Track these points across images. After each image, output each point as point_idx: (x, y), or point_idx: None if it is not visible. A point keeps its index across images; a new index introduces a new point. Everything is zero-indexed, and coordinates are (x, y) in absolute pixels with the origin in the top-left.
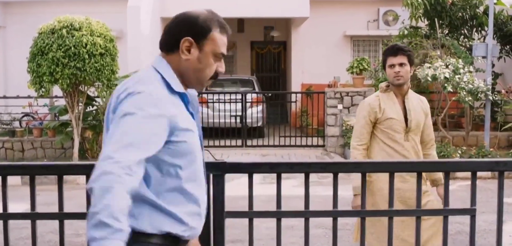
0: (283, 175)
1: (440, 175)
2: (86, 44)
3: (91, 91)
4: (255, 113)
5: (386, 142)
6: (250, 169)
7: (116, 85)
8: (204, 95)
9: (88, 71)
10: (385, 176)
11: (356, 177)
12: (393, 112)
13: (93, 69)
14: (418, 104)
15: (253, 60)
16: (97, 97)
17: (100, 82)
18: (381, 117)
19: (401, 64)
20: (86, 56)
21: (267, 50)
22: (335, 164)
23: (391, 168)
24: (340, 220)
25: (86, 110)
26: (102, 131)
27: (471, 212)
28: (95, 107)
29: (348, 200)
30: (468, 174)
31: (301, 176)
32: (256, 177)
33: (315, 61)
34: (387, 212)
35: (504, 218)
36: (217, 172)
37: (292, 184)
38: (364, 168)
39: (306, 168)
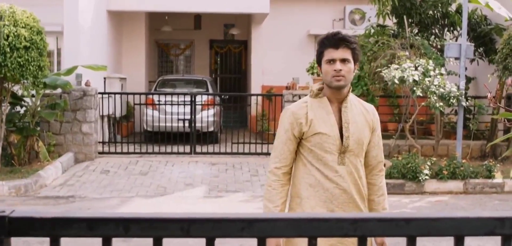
0: (231, 188)
1: (384, 207)
2: (8, 36)
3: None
4: (206, 117)
5: (314, 165)
6: (53, 230)
7: (45, 83)
8: (153, 97)
9: (10, 66)
10: (313, 197)
11: (267, 207)
12: (324, 125)
13: (15, 64)
14: (360, 114)
15: (212, 60)
16: (26, 96)
17: (25, 79)
18: (308, 131)
19: (343, 60)
20: (8, 49)
21: (227, 50)
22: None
23: (313, 232)
24: None
25: (12, 111)
26: (31, 134)
27: None
28: (23, 108)
29: None
30: (438, 186)
31: (250, 191)
32: (200, 190)
33: (276, 62)
34: None
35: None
36: None
37: (239, 198)
38: (263, 231)
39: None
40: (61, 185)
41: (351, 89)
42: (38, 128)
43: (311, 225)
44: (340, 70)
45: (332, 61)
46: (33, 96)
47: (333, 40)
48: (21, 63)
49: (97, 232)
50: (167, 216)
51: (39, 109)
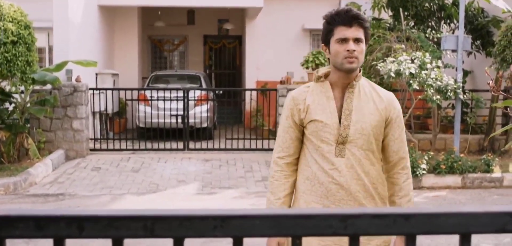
0: (224, 185)
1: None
2: None
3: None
4: (200, 113)
5: (313, 156)
6: None
7: (33, 78)
8: (145, 93)
9: None
10: (310, 192)
11: (269, 199)
12: (321, 112)
13: (2, 59)
14: (370, 102)
15: (206, 56)
16: (15, 93)
17: (12, 74)
18: (305, 118)
19: (356, 40)
20: None
21: (221, 45)
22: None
23: (296, 230)
24: None
25: (0, 108)
26: (20, 131)
27: None
28: (13, 105)
29: None
30: (435, 180)
31: (244, 187)
32: (193, 187)
33: (271, 57)
34: None
35: None
36: None
37: (232, 195)
38: (239, 230)
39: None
40: (51, 182)
41: (361, 72)
42: (28, 125)
43: (294, 223)
44: (354, 50)
45: (344, 40)
46: (22, 92)
47: (346, 17)
48: (9, 58)
49: (47, 232)
50: (128, 213)
51: (28, 105)
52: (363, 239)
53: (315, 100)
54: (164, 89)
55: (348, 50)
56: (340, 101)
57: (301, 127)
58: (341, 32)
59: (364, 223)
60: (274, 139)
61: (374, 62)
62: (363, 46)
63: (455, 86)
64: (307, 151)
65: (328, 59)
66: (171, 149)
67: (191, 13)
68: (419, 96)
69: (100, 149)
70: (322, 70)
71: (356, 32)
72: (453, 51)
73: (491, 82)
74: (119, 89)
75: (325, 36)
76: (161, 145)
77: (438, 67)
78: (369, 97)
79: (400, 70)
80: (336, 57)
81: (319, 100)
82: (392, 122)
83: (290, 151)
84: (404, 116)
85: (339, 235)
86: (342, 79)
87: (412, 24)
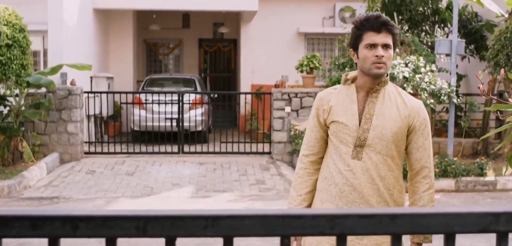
0: (219, 188)
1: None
2: None
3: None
4: (194, 116)
5: (332, 156)
6: None
7: (28, 82)
8: (140, 96)
9: None
10: (325, 191)
11: (291, 194)
12: (343, 114)
13: None
14: (394, 108)
15: (201, 59)
16: (9, 96)
17: (7, 78)
18: (327, 118)
19: (385, 46)
20: None
21: (216, 48)
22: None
23: (284, 230)
24: None
25: None
26: (15, 134)
27: None
28: (7, 108)
29: None
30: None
31: (239, 190)
32: (187, 190)
33: (266, 60)
34: None
35: None
36: None
37: (227, 198)
38: (230, 229)
39: None
40: (45, 186)
41: (388, 77)
42: (22, 128)
43: (282, 223)
44: (382, 56)
45: (373, 46)
46: (16, 95)
47: (376, 23)
48: (3, 61)
49: (42, 231)
50: (121, 213)
51: (23, 108)
52: (356, 239)
53: (339, 102)
54: (159, 93)
55: (376, 56)
56: (363, 105)
57: (325, 127)
58: (370, 37)
59: (351, 223)
60: (269, 142)
61: None
62: (391, 52)
63: (449, 90)
64: (329, 151)
65: (356, 64)
66: (165, 153)
67: (186, 17)
68: None
69: (95, 153)
70: (351, 74)
71: (385, 38)
72: (447, 55)
73: (481, 86)
74: (114, 93)
75: (353, 41)
76: (156, 149)
77: (432, 71)
78: (393, 103)
79: (394, 73)
80: (365, 62)
81: (343, 102)
82: (416, 130)
83: (314, 150)
84: None
85: (326, 234)
86: (369, 83)
87: (406, 28)
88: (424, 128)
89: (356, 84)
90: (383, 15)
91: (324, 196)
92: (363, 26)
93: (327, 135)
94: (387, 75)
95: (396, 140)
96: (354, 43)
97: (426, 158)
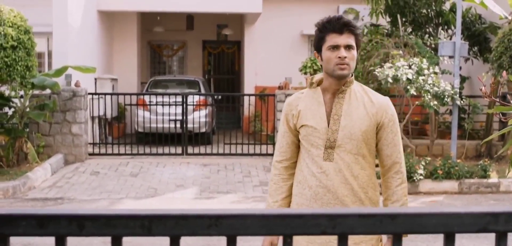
0: (222, 189)
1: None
2: None
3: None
4: (198, 118)
5: (305, 160)
6: None
7: (33, 83)
8: (144, 97)
9: None
10: (301, 195)
11: (267, 201)
12: (311, 117)
13: (2, 64)
14: (361, 107)
15: (205, 61)
16: (14, 97)
17: (12, 79)
18: (297, 123)
19: (348, 47)
20: None
21: (220, 50)
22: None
23: (287, 229)
24: None
25: (0, 112)
26: (19, 135)
27: None
28: (12, 109)
29: None
30: (432, 186)
31: (242, 192)
32: (191, 191)
33: (269, 62)
34: None
35: None
36: None
37: (231, 199)
38: (232, 229)
39: None
40: (49, 187)
41: (353, 77)
42: (27, 129)
43: (285, 222)
44: (345, 57)
45: (336, 47)
46: (21, 96)
47: (337, 25)
48: (8, 63)
49: (49, 230)
50: (126, 212)
51: (27, 110)
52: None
53: (306, 106)
54: (163, 94)
55: (339, 57)
56: (330, 106)
57: (296, 132)
58: (332, 39)
59: (352, 222)
60: (272, 144)
61: (372, 68)
62: (354, 52)
63: (452, 92)
64: (301, 155)
65: (321, 66)
66: (169, 154)
67: (190, 19)
68: (417, 102)
69: (99, 154)
70: (317, 77)
71: (347, 39)
72: (450, 57)
73: (483, 88)
74: (118, 94)
75: (317, 43)
76: (160, 150)
77: (435, 73)
78: (360, 102)
79: (397, 75)
80: (328, 64)
81: (310, 106)
82: (385, 127)
83: (287, 155)
84: (401, 122)
85: (328, 234)
86: (334, 85)
87: (410, 30)
88: (392, 124)
89: (322, 87)
90: (344, 16)
91: (300, 200)
92: (325, 28)
93: (298, 140)
94: (352, 75)
95: (366, 138)
96: (317, 46)
97: (396, 153)
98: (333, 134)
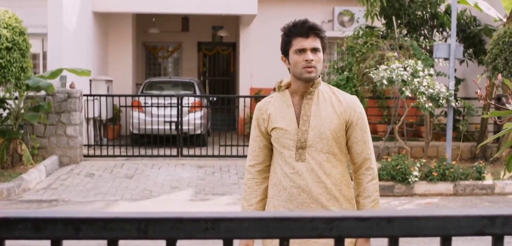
0: (217, 191)
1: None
2: None
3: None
4: (193, 119)
5: (279, 162)
6: None
7: (27, 85)
8: (139, 99)
9: None
10: (276, 197)
11: (243, 205)
12: (281, 119)
13: None
14: (329, 106)
15: (200, 62)
16: (9, 99)
17: (7, 80)
18: (268, 126)
19: (314, 50)
20: None
21: (215, 52)
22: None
23: (283, 232)
24: None
25: None
26: (14, 137)
27: None
28: (7, 110)
29: None
30: (427, 187)
31: (237, 194)
32: (186, 193)
33: (265, 64)
34: None
35: None
36: None
37: (226, 201)
38: (230, 231)
39: None
40: (44, 188)
41: (320, 78)
42: (22, 131)
43: (281, 225)
44: (312, 60)
45: (302, 50)
46: (16, 98)
47: (303, 29)
48: (3, 64)
49: (44, 233)
50: (122, 215)
51: (22, 111)
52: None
53: (276, 109)
54: (158, 96)
55: (306, 60)
56: (299, 108)
57: (267, 135)
58: (298, 43)
59: (348, 225)
60: None
61: (367, 70)
62: (320, 55)
63: (447, 94)
64: (274, 158)
65: (289, 69)
66: (164, 156)
67: (185, 20)
68: (412, 104)
69: (94, 155)
70: (285, 81)
71: (313, 42)
72: (445, 59)
73: (478, 90)
74: (113, 96)
75: (284, 47)
76: (155, 152)
77: (430, 75)
78: (328, 102)
79: (392, 77)
80: (295, 67)
81: (280, 108)
82: (353, 125)
83: (259, 159)
84: (397, 124)
85: (325, 236)
86: (302, 87)
87: (405, 32)
88: (361, 122)
89: (291, 90)
90: (309, 20)
91: (276, 202)
92: (291, 32)
93: (270, 143)
94: (319, 77)
95: (336, 137)
96: (284, 49)
97: (366, 150)
98: (304, 135)
